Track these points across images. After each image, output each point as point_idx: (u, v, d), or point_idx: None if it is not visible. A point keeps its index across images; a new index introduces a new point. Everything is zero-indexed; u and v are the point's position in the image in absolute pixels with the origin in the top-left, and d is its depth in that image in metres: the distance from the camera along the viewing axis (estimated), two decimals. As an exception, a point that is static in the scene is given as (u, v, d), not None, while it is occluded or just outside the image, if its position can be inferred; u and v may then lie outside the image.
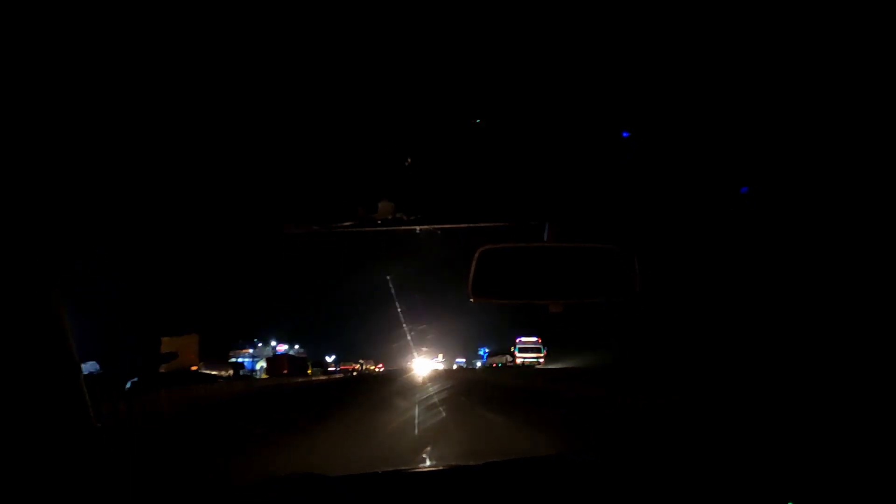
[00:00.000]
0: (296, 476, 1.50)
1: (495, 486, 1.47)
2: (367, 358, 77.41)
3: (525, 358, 39.58)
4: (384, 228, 2.17)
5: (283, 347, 68.06)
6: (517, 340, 41.15)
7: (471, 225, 2.13)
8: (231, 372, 30.62)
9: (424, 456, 6.32)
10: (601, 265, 1.52)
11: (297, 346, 70.48)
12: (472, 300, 1.51)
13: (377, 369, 72.66)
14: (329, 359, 76.51)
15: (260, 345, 58.30)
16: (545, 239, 1.67)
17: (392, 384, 23.04)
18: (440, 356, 60.22)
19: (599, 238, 1.53)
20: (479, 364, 67.30)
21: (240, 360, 45.69)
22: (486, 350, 63.34)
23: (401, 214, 2.18)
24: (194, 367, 23.07)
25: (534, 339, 40.42)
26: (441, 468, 2.27)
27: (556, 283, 1.52)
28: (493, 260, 1.49)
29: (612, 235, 1.58)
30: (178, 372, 21.72)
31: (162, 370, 22.01)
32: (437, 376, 32.29)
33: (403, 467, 2.51)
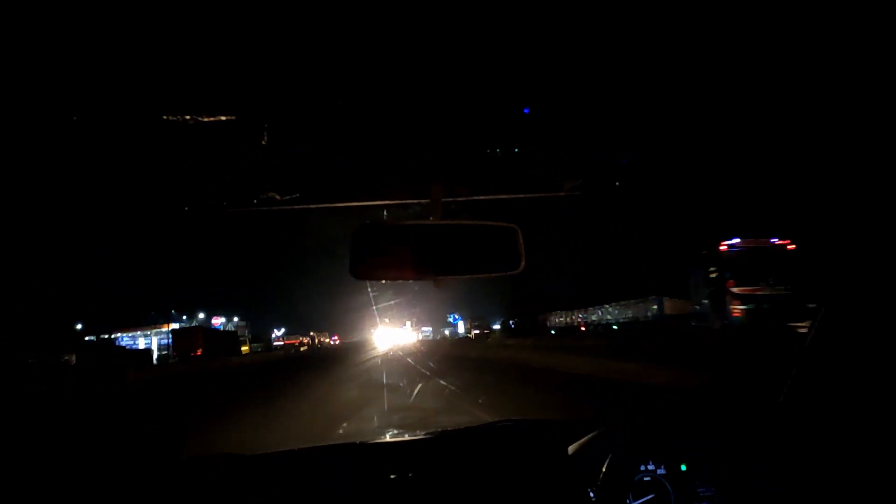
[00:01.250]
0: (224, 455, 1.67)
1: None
2: (320, 330, 70.43)
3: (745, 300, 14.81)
4: (259, 209, 2.05)
5: (218, 321, 59.76)
6: (722, 248, 16.01)
7: (353, 204, 2.00)
8: (71, 357, 21.36)
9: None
10: (485, 241, 1.59)
11: (235, 319, 62.39)
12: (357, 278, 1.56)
13: (331, 342, 65.73)
14: (278, 332, 69.17)
15: (185, 318, 48.93)
16: (428, 215, 1.72)
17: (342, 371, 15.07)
18: (407, 324, 52.72)
19: (485, 215, 1.64)
20: (447, 333, 60.76)
21: (125, 340, 36.17)
22: (458, 317, 56.98)
23: (273, 194, 2.00)
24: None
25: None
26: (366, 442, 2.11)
27: (439, 260, 1.56)
28: (373, 236, 1.54)
29: (496, 212, 1.80)
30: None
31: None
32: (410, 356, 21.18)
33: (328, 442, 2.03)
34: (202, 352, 30.60)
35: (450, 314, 58.97)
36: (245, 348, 41.98)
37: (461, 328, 56.07)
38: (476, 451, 1.69)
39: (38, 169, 2.06)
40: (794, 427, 1.46)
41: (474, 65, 1.91)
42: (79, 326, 34.21)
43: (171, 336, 33.26)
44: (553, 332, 34.50)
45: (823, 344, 1.44)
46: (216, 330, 45.76)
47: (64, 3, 1.48)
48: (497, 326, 48.75)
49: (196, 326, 41.86)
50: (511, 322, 44.25)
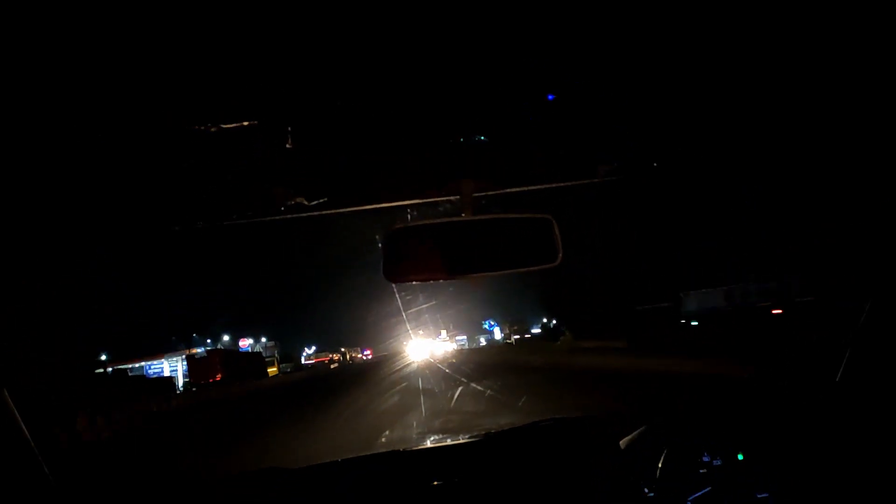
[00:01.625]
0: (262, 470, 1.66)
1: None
2: (351, 345, 68.84)
3: None
4: (287, 216, 2.05)
5: (246, 342, 58.55)
6: None
7: (380, 206, 1.99)
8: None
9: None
10: (520, 234, 1.56)
11: (263, 340, 61.11)
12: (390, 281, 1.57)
13: (363, 357, 63.89)
14: (309, 350, 67.96)
15: (209, 341, 47.46)
16: (460, 212, 1.71)
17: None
18: (443, 333, 50.29)
19: (516, 207, 1.60)
20: (482, 341, 58.34)
21: (153, 368, 34.85)
22: (493, 323, 54.66)
23: (300, 199, 2.00)
24: None
25: None
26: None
27: (474, 257, 1.54)
28: (406, 237, 1.53)
29: (531, 204, 1.70)
30: None
31: None
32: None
33: (362, 453, 2.03)
34: (221, 377, 28.70)
35: (484, 321, 56.71)
36: (273, 370, 40.29)
37: (497, 334, 53.85)
38: (523, 452, 1.68)
39: (59, 189, 1.95)
40: (851, 407, 1.44)
41: (497, 54, 1.81)
42: (103, 357, 33.07)
43: (187, 363, 31.55)
44: (694, 322, 21.70)
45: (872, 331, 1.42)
46: (238, 352, 44.16)
47: (87, 14, 1.46)
48: (536, 330, 46.40)
49: (213, 350, 39.12)
50: (552, 324, 40.74)
